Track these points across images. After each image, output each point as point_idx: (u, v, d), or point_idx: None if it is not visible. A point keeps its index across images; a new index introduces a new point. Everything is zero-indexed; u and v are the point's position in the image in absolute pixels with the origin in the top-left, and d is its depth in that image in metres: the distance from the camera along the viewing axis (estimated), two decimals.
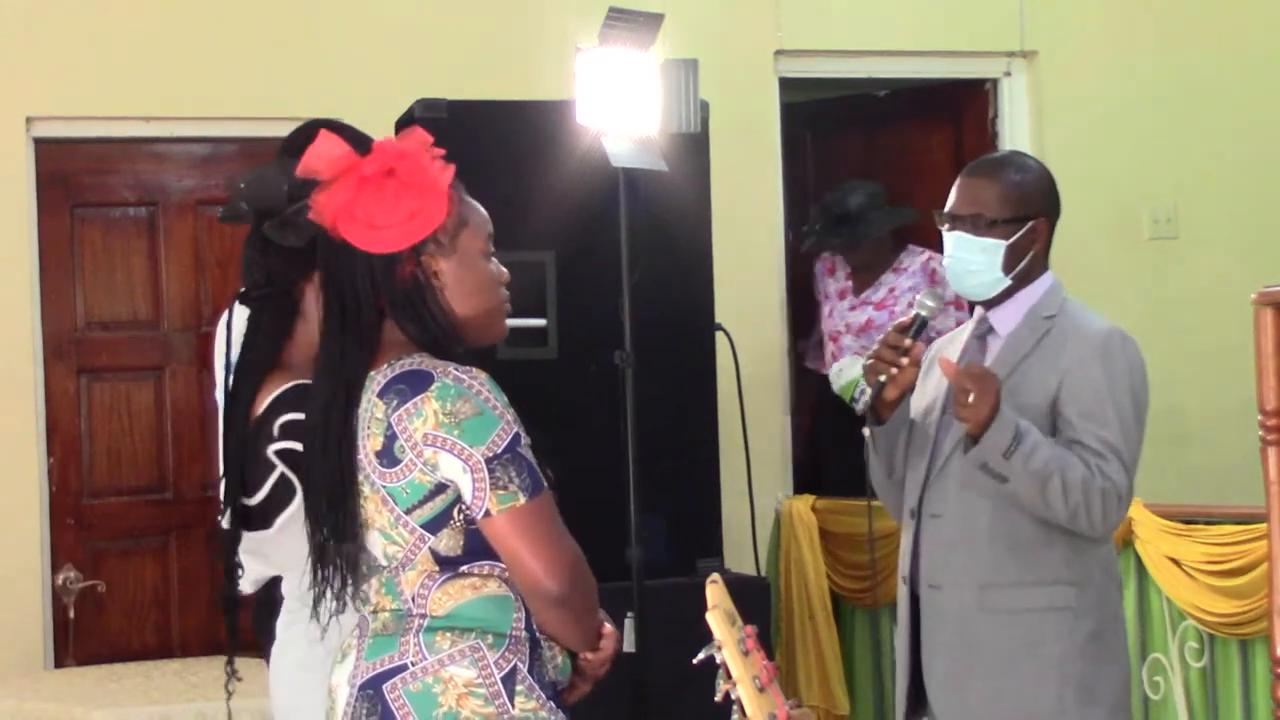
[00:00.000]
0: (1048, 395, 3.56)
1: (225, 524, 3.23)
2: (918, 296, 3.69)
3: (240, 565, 3.28)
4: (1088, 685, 3.56)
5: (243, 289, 3.39)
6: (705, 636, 2.58)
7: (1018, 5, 7.22)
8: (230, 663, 3.33)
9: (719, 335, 5.90)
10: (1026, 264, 3.65)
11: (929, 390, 3.75)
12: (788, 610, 6.43)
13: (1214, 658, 5.16)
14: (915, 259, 6.76)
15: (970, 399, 3.44)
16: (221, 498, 3.28)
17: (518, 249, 5.32)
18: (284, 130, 4.27)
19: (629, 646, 4.96)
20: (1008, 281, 3.64)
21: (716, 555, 5.74)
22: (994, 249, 3.62)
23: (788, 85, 7.14)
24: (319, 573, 2.90)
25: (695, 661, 2.63)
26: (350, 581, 2.89)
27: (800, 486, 6.99)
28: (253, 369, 3.26)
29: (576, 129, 5.19)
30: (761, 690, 2.54)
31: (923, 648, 3.70)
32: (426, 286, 2.87)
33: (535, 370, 5.41)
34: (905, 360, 3.60)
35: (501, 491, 2.77)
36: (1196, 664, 5.19)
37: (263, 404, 3.22)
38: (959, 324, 4.84)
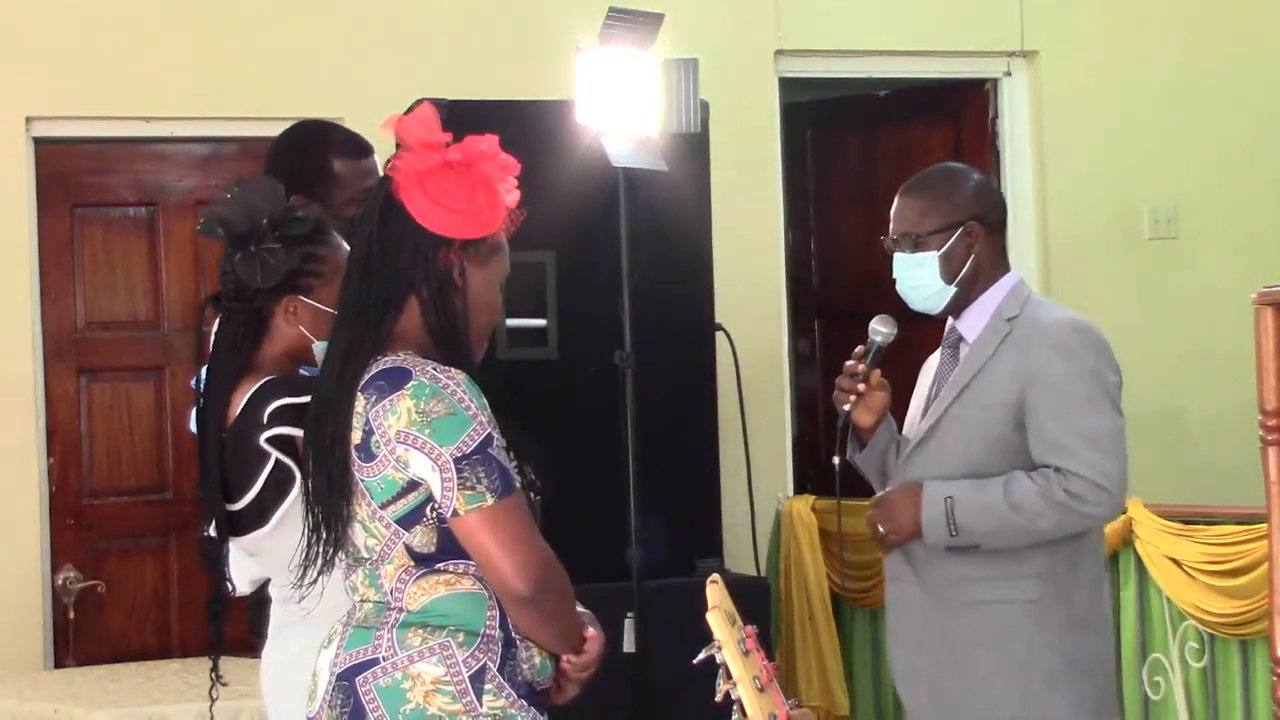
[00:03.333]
0: (1013, 395, 3.59)
1: (211, 533, 3.22)
2: (871, 323, 3.75)
3: (230, 577, 3.27)
4: (1052, 678, 3.58)
5: (216, 293, 3.37)
6: (705, 636, 2.59)
7: (1018, 5, 7.22)
8: (215, 668, 3.33)
9: (719, 335, 5.90)
10: (970, 269, 3.68)
11: (915, 400, 3.82)
12: (788, 610, 6.44)
13: (1214, 658, 5.16)
14: None
15: (883, 531, 3.64)
16: (204, 506, 3.26)
17: (518, 249, 5.31)
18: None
19: (629, 646, 4.96)
20: (953, 289, 3.69)
21: (716, 555, 5.74)
22: (928, 262, 3.67)
23: (788, 85, 7.14)
24: (312, 535, 2.92)
25: (695, 662, 2.63)
26: (338, 533, 2.90)
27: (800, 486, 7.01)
28: (223, 378, 3.25)
29: (576, 129, 5.19)
30: (761, 690, 2.54)
31: (889, 641, 3.76)
32: (459, 282, 2.92)
33: (535, 370, 5.41)
34: (862, 387, 3.69)
35: (469, 491, 2.79)
36: (1197, 664, 5.19)
37: (240, 402, 3.20)
38: None
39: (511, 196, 2.97)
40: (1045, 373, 3.57)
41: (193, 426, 3.31)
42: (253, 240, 3.25)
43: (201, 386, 3.27)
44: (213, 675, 3.31)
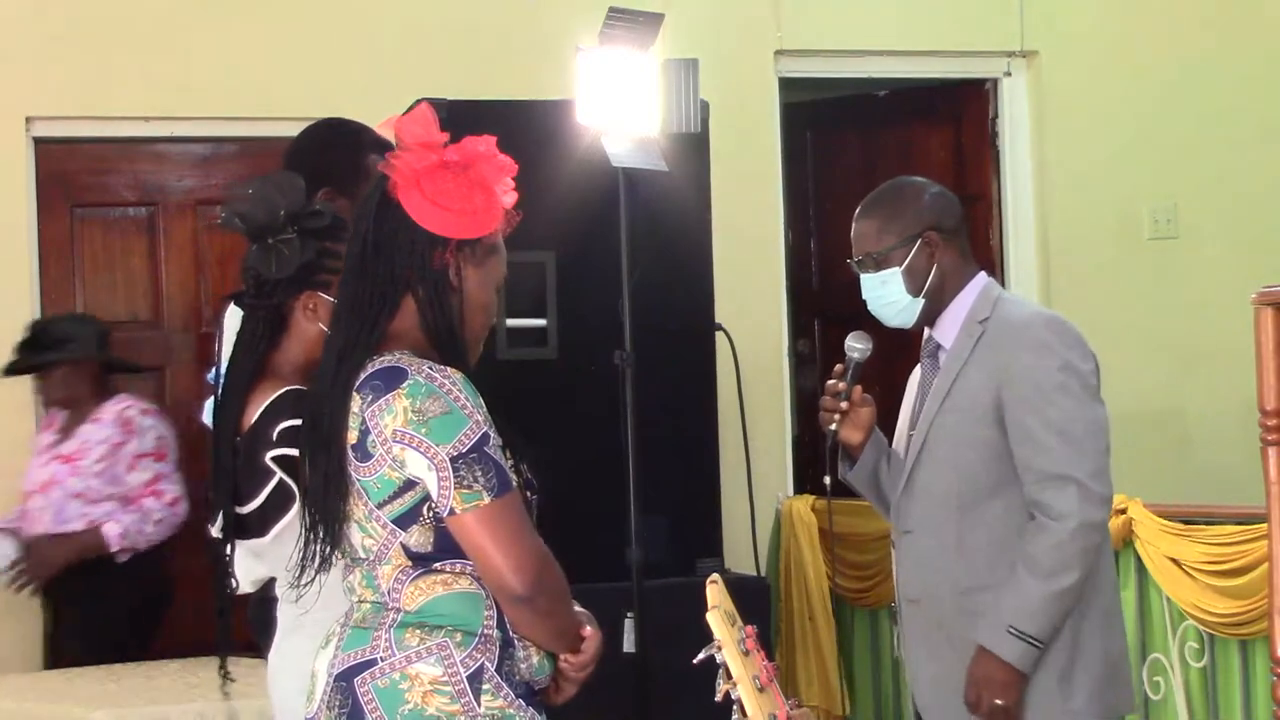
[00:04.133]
0: (989, 396, 3.61)
1: (217, 532, 3.22)
2: (846, 341, 3.78)
3: (234, 574, 3.27)
4: (1065, 674, 3.60)
5: (238, 291, 3.37)
6: (705, 636, 2.59)
7: (1018, 5, 7.22)
8: (223, 665, 3.33)
9: (719, 335, 5.90)
10: (936, 278, 3.71)
11: (903, 413, 3.83)
12: (788, 610, 6.44)
13: (1214, 658, 5.16)
14: (113, 408, 5.86)
15: (997, 701, 3.54)
16: (212, 505, 3.26)
17: (518, 249, 5.30)
18: (284, 130, 4.31)
19: (629, 646, 4.96)
20: (921, 301, 3.72)
21: (716, 555, 5.74)
22: (892, 278, 3.71)
23: (788, 85, 7.14)
24: (308, 534, 2.92)
25: (695, 661, 2.63)
26: (334, 531, 2.90)
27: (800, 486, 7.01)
28: (241, 377, 3.25)
29: (577, 129, 5.19)
30: (761, 690, 2.54)
31: (909, 660, 3.75)
32: (455, 282, 2.92)
33: (535, 370, 5.41)
34: (845, 405, 3.72)
35: (466, 490, 2.79)
36: (1197, 664, 5.19)
37: (255, 412, 3.21)
38: None
39: (509, 197, 2.97)
40: (1018, 369, 3.59)
41: (206, 418, 3.32)
42: (270, 233, 3.26)
43: (219, 383, 3.27)
44: (221, 672, 3.31)
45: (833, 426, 3.75)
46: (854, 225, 3.78)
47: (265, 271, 3.25)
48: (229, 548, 3.21)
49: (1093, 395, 3.61)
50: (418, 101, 5.39)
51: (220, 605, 3.28)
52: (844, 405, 3.73)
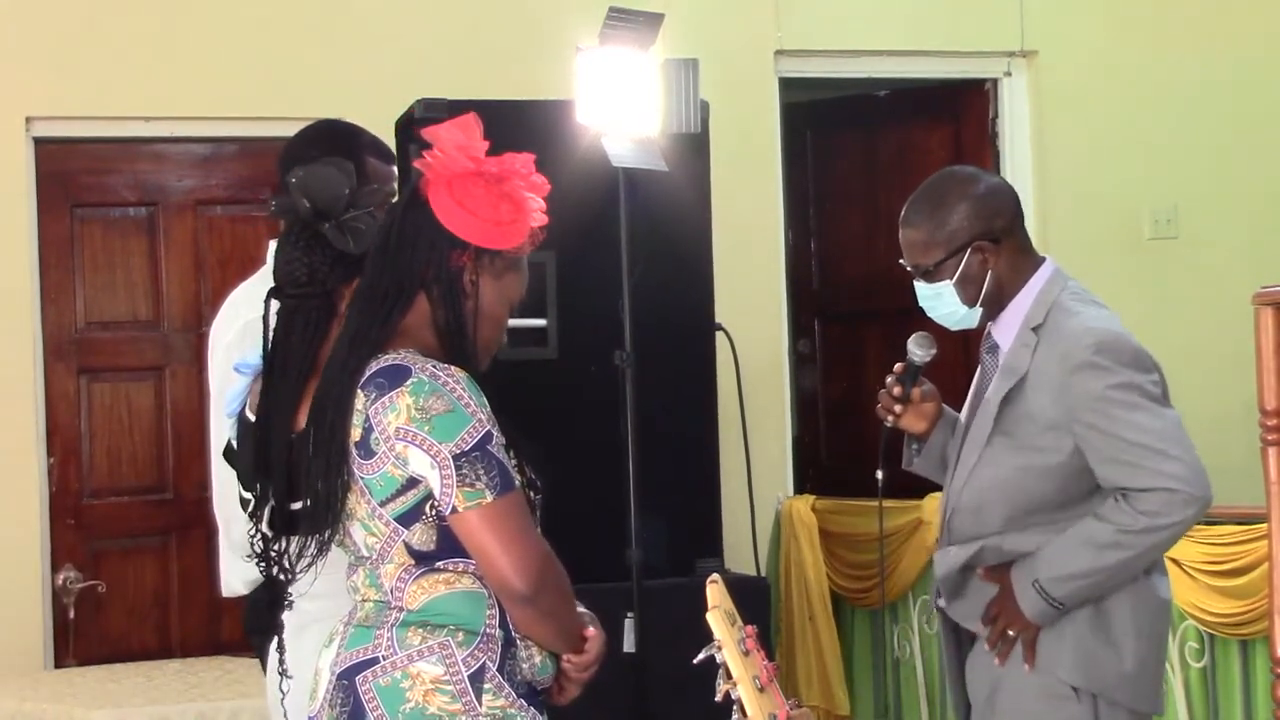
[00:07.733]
0: (1046, 427, 3.48)
1: (266, 529, 3.19)
2: (909, 343, 3.66)
3: (288, 569, 3.23)
4: (1069, 684, 3.52)
5: (274, 285, 3.34)
6: (705, 637, 2.59)
7: (1018, 5, 7.22)
8: (282, 661, 3.29)
9: (719, 335, 5.90)
10: (991, 284, 3.55)
11: (965, 407, 3.71)
12: (788, 610, 6.44)
13: (1214, 658, 5.16)
14: None
15: (1011, 633, 3.47)
16: (258, 501, 3.22)
17: None
18: (284, 130, 4.30)
19: (629, 646, 4.97)
20: (979, 310, 3.58)
21: (716, 555, 5.74)
22: (945, 291, 3.57)
23: (788, 85, 7.15)
24: (309, 517, 2.91)
25: (695, 661, 2.63)
26: (334, 514, 2.89)
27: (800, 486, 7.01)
28: (291, 372, 3.22)
29: (577, 129, 5.19)
30: (761, 690, 2.54)
31: (968, 688, 3.66)
32: (469, 289, 2.93)
33: (535, 370, 5.41)
34: (900, 408, 3.64)
35: (468, 489, 2.80)
36: (1197, 664, 5.19)
37: (306, 414, 3.18)
38: None
39: (537, 219, 2.98)
40: (1080, 399, 3.44)
41: (224, 410, 3.29)
42: (333, 214, 3.25)
43: (267, 376, 3.23)
44: (280, 669, 3.27)
45: (889, 421, 3.65)
46: (902, 230, 3.61)
47: (345, 247, 3.24)
48: (282, 543, 3.18)
49: (1158, 401, 3.49)
50: (418, 101, 5.43)
51: (270, 599, 3.25)
52: (898, 409, 3.64)
